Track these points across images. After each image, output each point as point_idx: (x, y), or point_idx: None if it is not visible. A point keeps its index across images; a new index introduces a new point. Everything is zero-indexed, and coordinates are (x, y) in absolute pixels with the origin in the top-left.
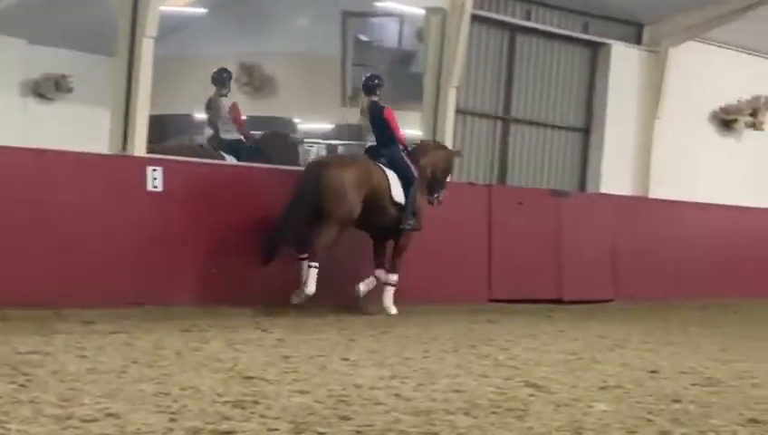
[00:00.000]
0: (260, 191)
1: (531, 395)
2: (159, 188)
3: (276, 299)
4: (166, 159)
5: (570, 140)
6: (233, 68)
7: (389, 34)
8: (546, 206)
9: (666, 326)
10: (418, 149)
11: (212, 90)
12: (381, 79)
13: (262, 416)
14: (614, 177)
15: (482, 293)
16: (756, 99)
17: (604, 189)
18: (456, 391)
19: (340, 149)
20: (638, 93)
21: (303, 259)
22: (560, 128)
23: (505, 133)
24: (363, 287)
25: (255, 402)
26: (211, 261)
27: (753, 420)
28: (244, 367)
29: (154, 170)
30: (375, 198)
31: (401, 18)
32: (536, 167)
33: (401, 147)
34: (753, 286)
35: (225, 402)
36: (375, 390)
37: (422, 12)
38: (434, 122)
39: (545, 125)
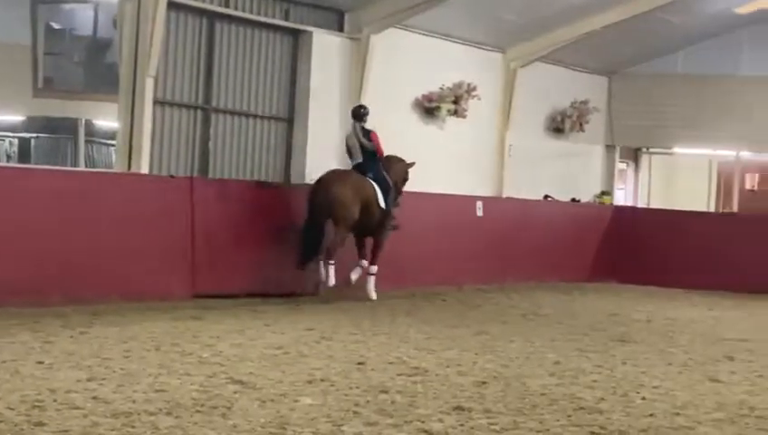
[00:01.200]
0: None
1: (235, 392)
2: None
3: None
4: None
5: (274, 130)
6: None
7: (83, 22)
8: (252, 197)
9: (373, 317)
10: (385, 164)
11: None
12: (367, 108)
13: None
14: (320, 166)
15: (185, 288)
16: (458, 86)
17: (309, 180)
18: (158, 390)
19: (33, 143)
20: (341, 81)
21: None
22: (263, 117)
23: (206, 124)
24: (354, 275)
25: None
26: None
27: (459, 408)
28: None
29: None
30: (368, 205)
31: (96, 5)
32: (239, 157)
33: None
34: (459, 274)
35: None
36: (72, 393)
37: None
38: (131, 113)
39: (248, 114)
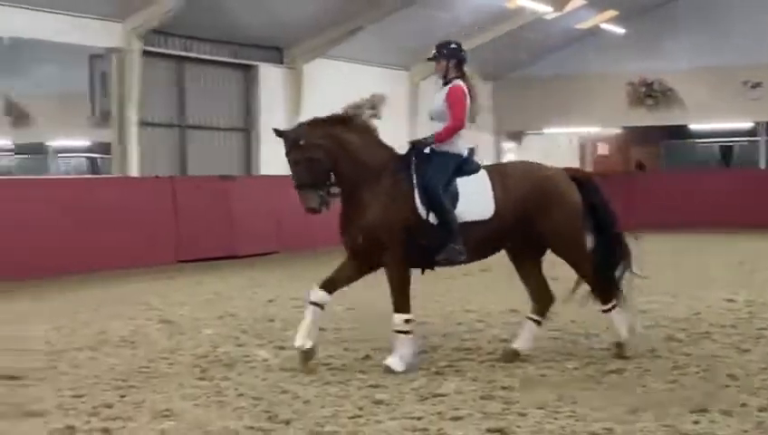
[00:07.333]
0: None
1: None
2: None
3: None
4: None
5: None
6: None
7: None
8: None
9: None
10: None
11: None
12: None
13: None
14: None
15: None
16: (373, 96)
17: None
18: None
19: None
20: (285, 101)
21: None
22: (225, 129)
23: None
24: None
25: None
26: None
27: None
28: None
29: None
30: None
31: None
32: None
33: None
34: None
35: None
36: None
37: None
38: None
39: (214, 128)
